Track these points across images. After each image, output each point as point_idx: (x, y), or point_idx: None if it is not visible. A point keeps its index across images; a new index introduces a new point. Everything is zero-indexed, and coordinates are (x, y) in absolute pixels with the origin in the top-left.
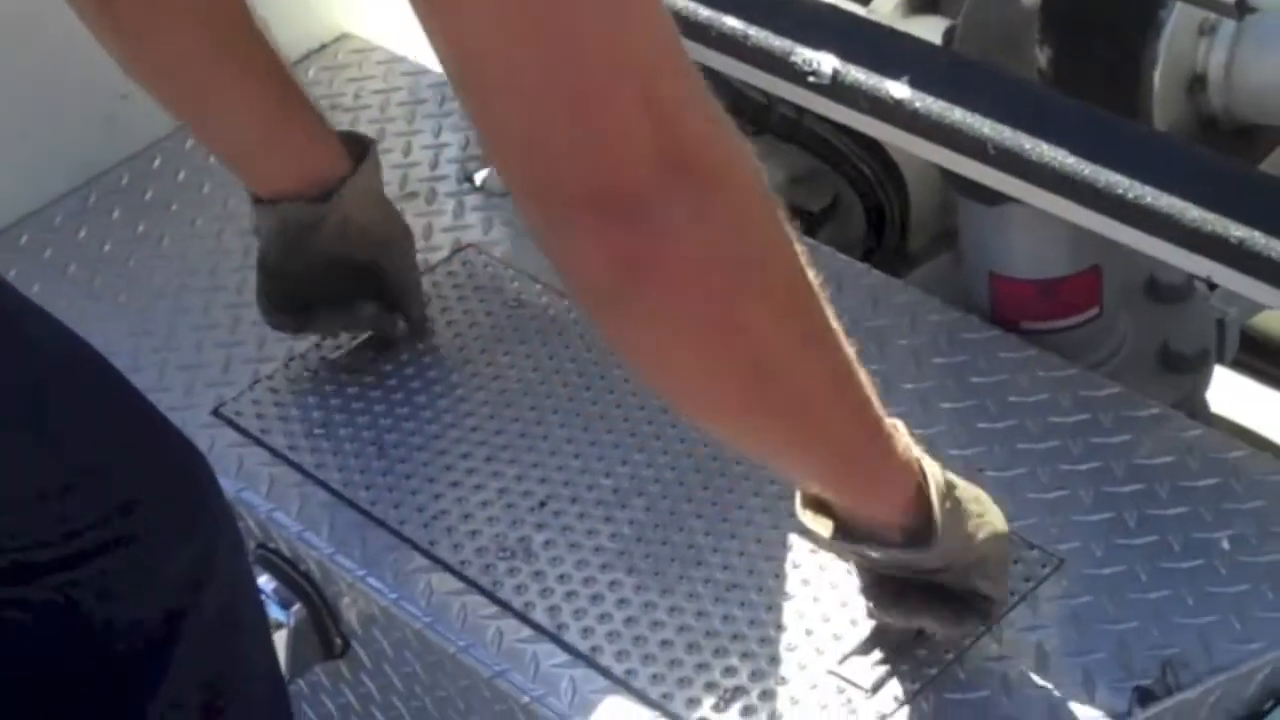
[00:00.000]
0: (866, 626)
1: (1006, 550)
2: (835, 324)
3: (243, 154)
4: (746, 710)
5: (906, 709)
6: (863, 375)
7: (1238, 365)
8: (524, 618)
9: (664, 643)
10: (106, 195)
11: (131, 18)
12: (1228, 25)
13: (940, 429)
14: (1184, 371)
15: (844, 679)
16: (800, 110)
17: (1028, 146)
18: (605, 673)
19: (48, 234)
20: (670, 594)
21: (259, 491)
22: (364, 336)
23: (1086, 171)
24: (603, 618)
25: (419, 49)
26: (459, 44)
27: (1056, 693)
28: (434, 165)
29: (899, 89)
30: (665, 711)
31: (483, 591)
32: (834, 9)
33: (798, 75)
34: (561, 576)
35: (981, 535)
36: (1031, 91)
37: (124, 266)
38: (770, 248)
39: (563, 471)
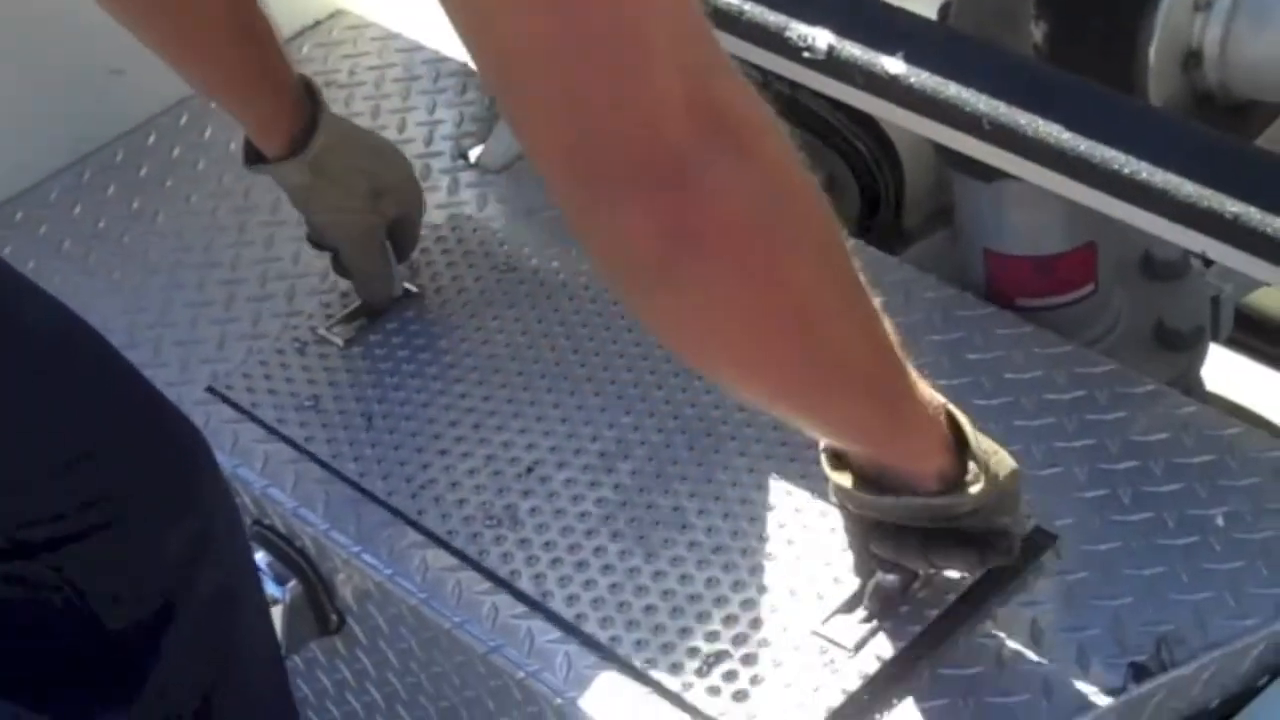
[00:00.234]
0: (851, 585)
1: (1017, 481)
2: (861, 279)
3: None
4: (728, 675)
5: (891, 669)
6: (889, 325)
7: (1232, 343)
8: (509, 586)
9: (648, 608)
10: (101, 171)
11: None
12: (1223, 0)
13: None
14: (1179, 349)
15: (827, 639)
16: (795, 87)
17: (1023, 122)
18: (590, 641)
19: (43, 210)
20: (655, 558)
21: (254, 468)
22: (354, 305)
23: (1082, 147)
24: (587, 584)
25: (413, 25)
26: (489, 34)
27: (1051, 669)
28: (429, 142)
29: (894, 64)
30: (647, 679)
31: (467, 560)
32: None
33: (793, 51)
34: (547, 544)
35: (1003, 473)
36: (1027, 67)
37: (119, 243)
38: (805, 202)
39: (550, 437)
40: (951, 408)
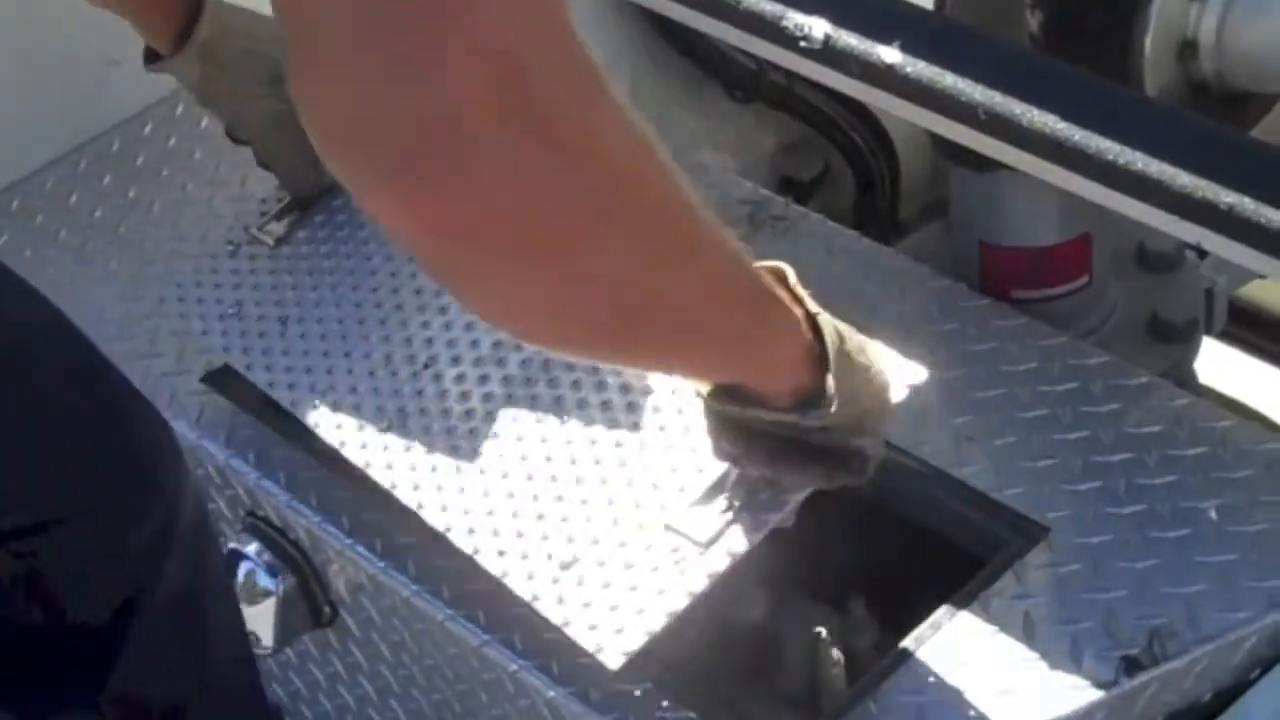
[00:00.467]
0: (709, 479)
1: (887, 403)
2: (711, 229)
3: None
4: (580, 580)
5: (738, 564)
6: (744, 265)
7: (1226, 336)
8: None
9: (514, 514)
10: (97, 161)
11: None
12: None
13: (929, 397)
14: (1173, 341)
15: (679, 533)
16: (791, 77)
17: (1019, 112)
18: (454, 552)
19: (39, 199)
20: (528, 459)
21: (247, 459)
22: (286, 201)
23: (1077, 137)
24: (461, 491)
25: None
26: None
27: (1043, 662)
28: None
29: (891, 54)
30: (504, 587)
31: (354, 475)
32: None
33: (789, 40)
34: (429, 448)
35: (866, 392)
36: (1023, 57)
37: (115, 232)
38: (626, 190)
39: (449, 330)
40: (825, 323)
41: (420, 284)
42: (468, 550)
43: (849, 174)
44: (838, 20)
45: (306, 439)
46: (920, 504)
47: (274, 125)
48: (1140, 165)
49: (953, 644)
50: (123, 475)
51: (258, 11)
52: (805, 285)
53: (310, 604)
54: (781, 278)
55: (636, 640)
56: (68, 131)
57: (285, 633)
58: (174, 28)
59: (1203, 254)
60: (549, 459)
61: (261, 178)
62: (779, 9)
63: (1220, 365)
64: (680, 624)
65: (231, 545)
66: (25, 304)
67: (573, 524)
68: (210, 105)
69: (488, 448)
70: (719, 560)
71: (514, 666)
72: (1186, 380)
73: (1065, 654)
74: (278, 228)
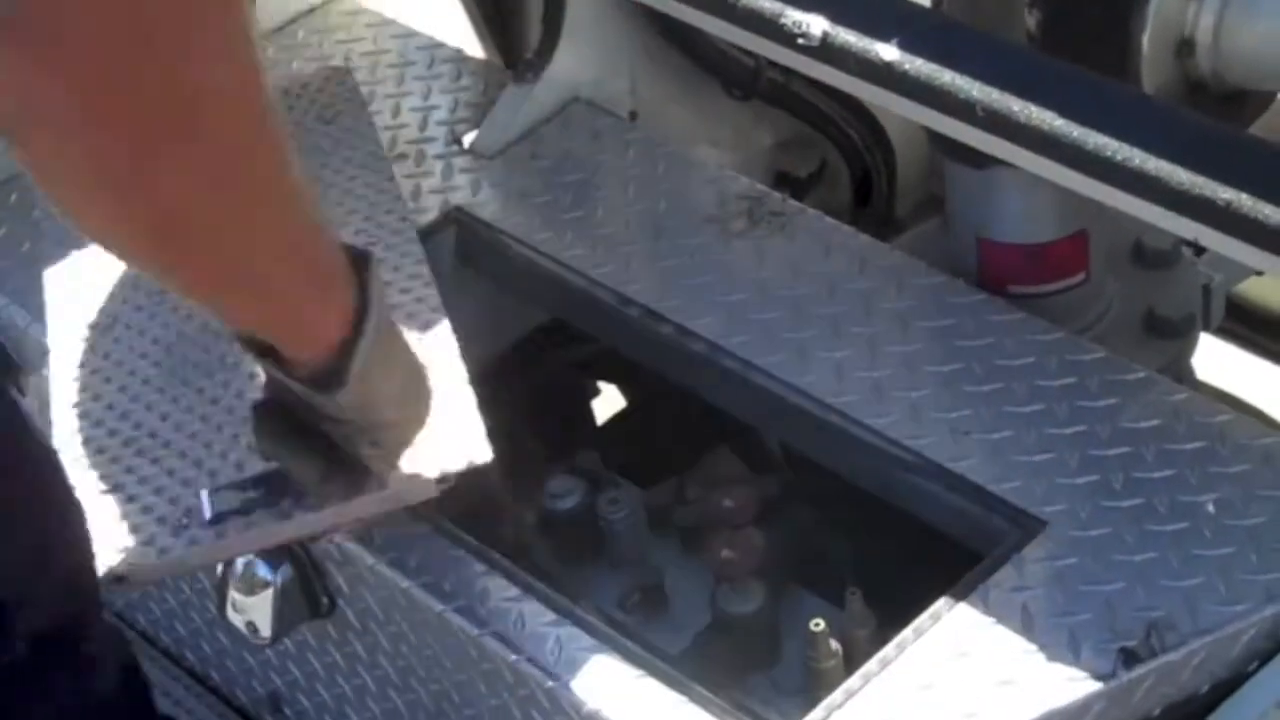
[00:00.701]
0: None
1: (412, 436)
2: (293, 185)
3: None
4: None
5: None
6: (312, 230)
7: (1223, 333)
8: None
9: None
10: None
11: None
12: None
13: (926, 392)
14: (1170, 337)
15: (206, 504)
16: (788, 74)
17: (1016, 109)
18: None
19: (37, 192)
20: (169, 419)
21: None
22: None
23: (1075, 134)
24: (112, 434)
25: (408, 11)
26: None
27: (1041, 654)
28: (423, 127)
29: (888, 51)
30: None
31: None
32: None
33: (787, 37)
34: (97, 398)
35: (391, 407)
36: (1020, 54)
37: None
38: (200, 116)
39: None
40: (376, 309)
41: None
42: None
43: (845, 170)
44: (836, 17)
45: None
46: (918, 497)
47: None
48: (1138, 161)
49: (951, 636)
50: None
51: None
52: (803, 280)
53: (309, 594)
54: (361, 263)
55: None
56: None
57: (284, 623)
58: None
59: (1200, 250)
60: (178, 426)
61: None
62: (777, 6)
63: (1217, 361)
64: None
65: None
66: None
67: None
68: None
69: (144, 391)
70: (219, 545)
71: (513, 657)
72: (1184, 376)
73: (1063, 646)
74: None
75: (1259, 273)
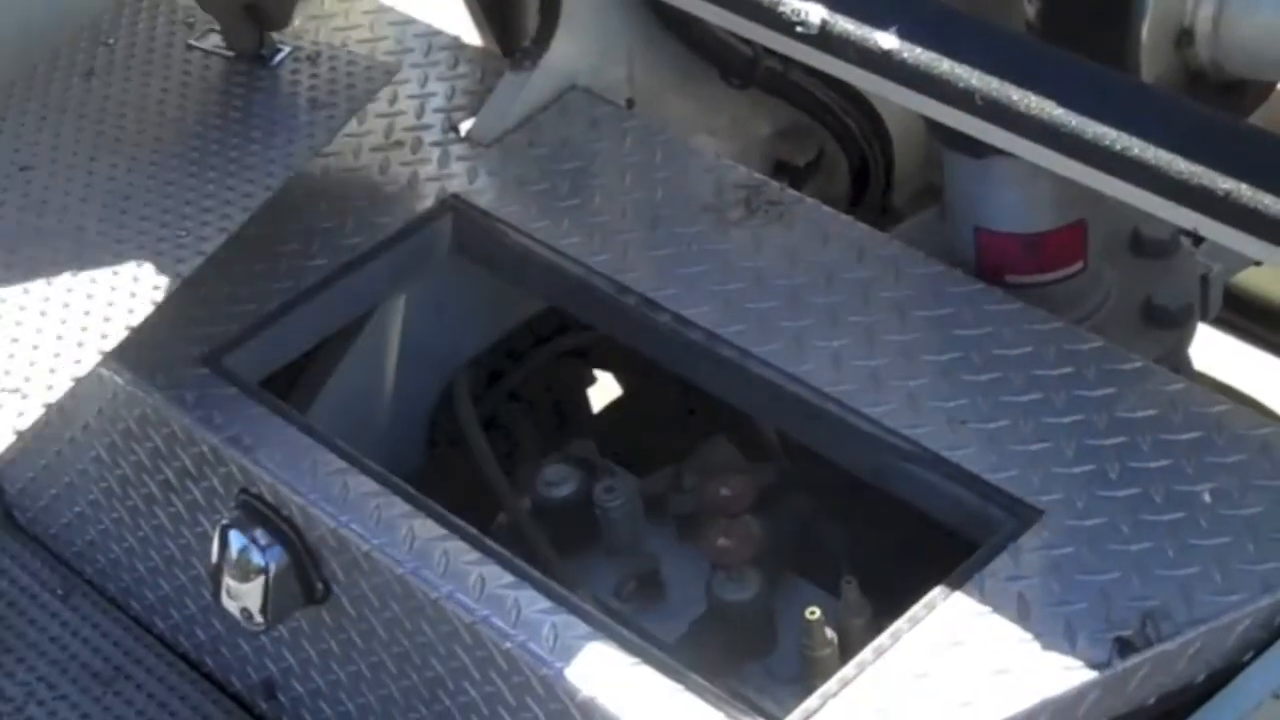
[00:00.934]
0: None
1: None
2: None
3: None
4: None
5: None
6: None
7: (1221, 323)
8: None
9: None
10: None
11: None
12: None
13: (924, 381)
14: (1168, 326)
15: None
16: (786, 63)
17: (1015, 98)
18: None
19: None
20: None
21: (242, 437)
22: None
23: (1074, 123)
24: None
25: None
26: None
27: (1037, 642)
28: (420, 114)
29: (887, 39)
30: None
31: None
32: None
33: (785, 25)
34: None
35: None
36: (1019, 43)
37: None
38: None
39: None
40: None
41: None
42: None
43: (843, 159)
44: (834, 5)
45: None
46: (915, 486)
47: None
48: (1137, 151)
49: (947, 624)
50: None
51: None
52: (800, 269)
53: (303, 581)
54: None
55: None
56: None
57: (278, 609)
58: None
59: (1198, 241)
60: None
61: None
62: None
63: (1215, 351)
64: None
65: (224, 522)
66: None
67: None
68: None
69: None
70: None
71: (507, 644)
72: (1181, 366)
73: (1059, 635)
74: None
75: (1258, 263)
